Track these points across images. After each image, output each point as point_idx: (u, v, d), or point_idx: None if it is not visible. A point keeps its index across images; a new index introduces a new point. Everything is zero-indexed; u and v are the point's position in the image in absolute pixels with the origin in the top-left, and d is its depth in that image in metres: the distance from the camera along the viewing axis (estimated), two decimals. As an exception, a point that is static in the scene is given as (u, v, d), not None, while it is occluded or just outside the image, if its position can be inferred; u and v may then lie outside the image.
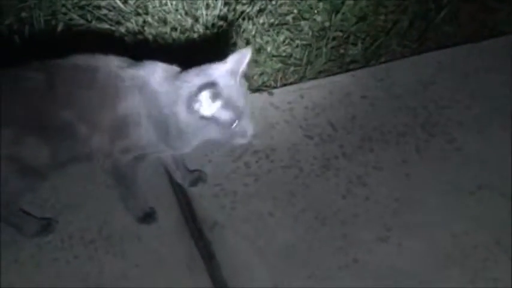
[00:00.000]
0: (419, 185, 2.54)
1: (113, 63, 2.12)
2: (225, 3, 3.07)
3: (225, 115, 2.02)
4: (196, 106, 2.00)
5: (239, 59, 2.07)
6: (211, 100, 1.98)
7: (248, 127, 2.08)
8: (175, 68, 2.12)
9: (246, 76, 2.11)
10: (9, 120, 2.05)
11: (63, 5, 3.06)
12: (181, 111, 2.03)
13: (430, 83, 2.92)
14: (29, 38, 2.93)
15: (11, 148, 2.08)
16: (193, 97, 1.99)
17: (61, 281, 2.25)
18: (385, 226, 2.41)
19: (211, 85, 1.98)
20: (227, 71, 2.05)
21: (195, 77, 2.04)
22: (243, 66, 2.07)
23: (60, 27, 2.97)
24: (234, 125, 2.04)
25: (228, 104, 2.02)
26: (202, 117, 2.02)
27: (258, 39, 3.01)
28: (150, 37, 2.96)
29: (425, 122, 2.75)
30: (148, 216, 2.40)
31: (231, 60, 2.07)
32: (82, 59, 2.11)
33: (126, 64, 2.13)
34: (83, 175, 2.46)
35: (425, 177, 2.57)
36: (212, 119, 2.03)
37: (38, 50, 2.77)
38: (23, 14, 3.02)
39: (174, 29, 2.98)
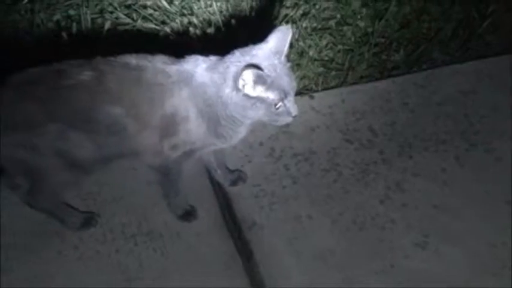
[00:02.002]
0: (458, 193, 2.54)
1: (159, 61, 2.17)
2: (268, 7, 3.10)
3: (270, 95, 2.03)
4: (241, 84, 2.01)
5: (281, 38, 2.08)
6: (253, 82, 2.00)
7: (292, 106, 2.08)
8: (213, 57, 2.16)
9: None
10: (56, 116, 2.10)
11: (110, 4, 3.11)
12: (229, 92, 2.06)
13: (471, 92, 2.92)
14: (76, 35, 2.98)
15: (57, 143, 2.13)
16: (238, 75, 2.01)
17: (102, 274, 2.29)
18: (422, 232, 2.41)
19: (253, 66, 2.00)
20: (271, 50, 2.07)
21: (240, 57, 2.07)
22: (287, 45, 2.08)
23: (107, 26, 3.01)
24: (279, 104, 2.06)
25: (272, 84, 2.03)
26: (248, 96, 2.04)
27: (301, 43, 3.03)
28: (194, 37, 2.99)
29: (466, 130, 2.76)
30: (188, 214, 2.44)
31: (273, 39, 2.08)
32: (131, 58, 2.15)
33: (170, 61, 2.18)
34: (124, 170, 2.51)
35: (463, 186, 2.57)
36: (258, 99, 2.04)
37: (85, 48, 2.83)
38: (71, 12, 3.07)
39: (218, 29, 3.01)
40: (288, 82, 2.07)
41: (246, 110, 2.08)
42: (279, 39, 2.08)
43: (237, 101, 2.06)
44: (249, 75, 1.98)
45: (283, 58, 2.08)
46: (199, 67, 2.14)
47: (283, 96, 2.04)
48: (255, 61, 2.04)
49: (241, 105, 2.07)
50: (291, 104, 2.07)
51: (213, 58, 2.15)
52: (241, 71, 1.99)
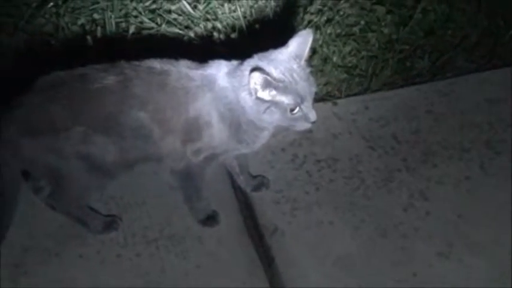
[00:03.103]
0: (482, 202, 2.52)
1: (183, 65, 2.18)
2: (292, 12, 3.10)
3: (285, 99, 2.02)
4: (252, 88, 2.01)
5: (301, 42, 2.08)
6: (261, 85, 2.00)
7: (311, 112, 2.07)
8: (235, 62, 2.16)
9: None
10: (81, 120, 2.12)
11: (135, 8, 3.11)
12: (244, 95, 2.06)
13: (496, 100, 2.89)
14: (100, 39, 3.00)
15: (81, 146, 2.14)
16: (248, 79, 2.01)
17: (123, 278, 2.29)
18: (446, 241, 2.39)
19: (259, 69, 1.99)
20: (290, 54, 2.07)
21: (258, 62, 2.06)
22: (307, 49, 2.08)
23: (131, 30, 3.02)
24: (296, 110, 2.05)
25: (287, 88, 2.02)
26: (262, 100, 2.03)
27: (325, 49, 3.02)
28: (218, 42, 2.99)
29: (490, 139, 2.73)
30: (210, 219, 2.43)
31: (293, 44, 2.08)
32: (155, 63, 2.16)
33: (194, 65, 2.19)
34: (147, 174, 2.49)
35: (488, 195, 2.54)
36: (272, 103, 2.03)
37: (110, 51, 2.84)
38: (96, 16, 3.08)
39: (242, 35, 3.01)
40: (306, 87, 2.06)
41: (260, 114, 2.07)
42: (299, 43, 2.08)
43: (252, 105, 2.06)
44: (255, 78, 1.98)
45: (303, 62, 2.08)
46: (221, 72, 2.14)
47: (299, 101, 2.03)
48: (273, 65, 2.04)
49: (255, 109, 2.07)
50: (308, 110, 2.06)
51: (235, 63, 2.16)
52: (248, 74, 1.99)
